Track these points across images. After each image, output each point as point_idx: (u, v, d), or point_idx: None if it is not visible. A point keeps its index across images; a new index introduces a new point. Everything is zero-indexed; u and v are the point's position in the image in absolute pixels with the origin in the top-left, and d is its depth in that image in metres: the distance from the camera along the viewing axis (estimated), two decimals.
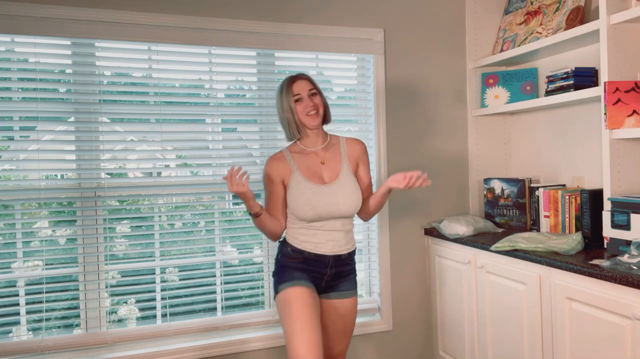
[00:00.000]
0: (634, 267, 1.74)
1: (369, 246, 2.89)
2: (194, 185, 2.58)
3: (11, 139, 2.35)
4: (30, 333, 2.35)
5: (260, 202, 2.08)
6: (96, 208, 2.41)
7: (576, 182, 2.58)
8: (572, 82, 2.36)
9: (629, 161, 2.13)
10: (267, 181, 2.09)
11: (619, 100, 2.07)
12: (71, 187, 2.38)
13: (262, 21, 2.60)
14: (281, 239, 2.16)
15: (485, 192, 2.91)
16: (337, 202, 2.02)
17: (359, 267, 2.92)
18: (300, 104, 2.04)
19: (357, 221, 2.74)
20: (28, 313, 2.32)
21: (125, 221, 2.50)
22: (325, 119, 2.13)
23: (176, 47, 2.51)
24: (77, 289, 2.40)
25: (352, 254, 2.14)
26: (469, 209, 3.03)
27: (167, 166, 2.61)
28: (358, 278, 2.94)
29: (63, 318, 2.40)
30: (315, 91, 2.07)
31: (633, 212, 1.92)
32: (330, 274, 2.07)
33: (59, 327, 2.38)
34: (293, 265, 2.04)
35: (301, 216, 2.01)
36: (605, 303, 1.79)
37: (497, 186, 2.82)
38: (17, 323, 2.32)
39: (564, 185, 2.60)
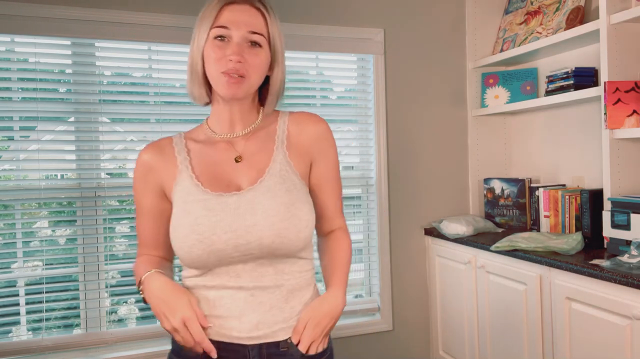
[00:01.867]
0: (634, 267, 1.74)
1: (369, 245, 2.89)
2: None
3: (11, 139, 2.35)
4: (30, 332, 2.35)
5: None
6: (96, 208, 2.41)
7: (576, 182, 2.58)
8: (572, 82, 2.36)
9: (629, 161, 2.13)
10: (137, 189, 1.18)
11: (619, 100, 2.07)
12: (71, 187, 2.38)
13: None
14: None
15: (485, 192, 2.91)
16: (255, 223, 1.05)
17: (358, 267, 2.92)
18: (220, 46, 1.09)
19: (354, 221, 2.73)
20: (28, 312, 2.32)
21: (125, 221, 2.50)
22: (263, 95, 1.19)
23: (176, 47, 2.51)
24: (77, 289, 2.40)
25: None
26: (469, 209, 3.02)
27: None
28: (358, 277, 2.94)
29: (63, 317, 2.40)
30: (262, 40, 1.10)
31: (633, 212, 1.92)
32: None
33: (58, 327, 2.38)
34: None
35: (186, 257, 1.07)
36: (605, 303, 1.79)
37: (497, 186, 2.82)
38: (17, 322, 2.32)
39: (564, 185, 2.60)
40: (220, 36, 1.09)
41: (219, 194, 1.09)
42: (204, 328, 1.04)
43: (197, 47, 1.12)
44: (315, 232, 1.23)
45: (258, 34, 1.09)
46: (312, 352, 1.08)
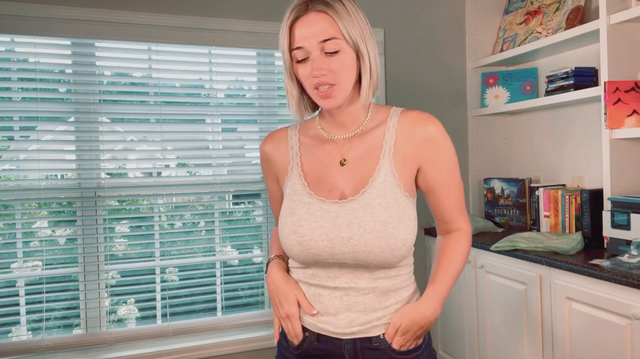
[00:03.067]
0: (634, 267, 1.74)
1: None
2: (193, 185, 2.58)
3: (11, 139, 2.35)
4: (30, 333, 2.35)
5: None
6: (96, 208, 2.41)
7: (576, 182, 2.58)
8: (572, 82, 2.36)
9: (629, 161, 2.13)
10: (264, 174, 1.30)
11: (619, 100, 2.07)
12: (71, 187, 2.38)
13: (262, 21, 2.60)
14: None
15: (485, 192, 2.91)
16: (351, 237, 1.09)
17: None
18: (305, 66, 1.10)
19: None
20: (28, 312, 2.32)
21: (125, 221, 2.50)
22: (361, 91, 1.14)
23: (176, 47, 2.51)
24: (77, 289, 2.40)
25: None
26: (469, 209, 3.02)
27: (167, 166, 2.61)
28: None
29: (63, 317, 2.40)
30: (339, 41, 1.08)
31: (633, 212, 1.92)
32: None
33: (58, 327, 2.38)
34: None
35: (288, 252, 1.16)
36: (605, 303, 1.78)
37: (497, 186, 2.82)
38: (17, 322, 2.32)
39: (564, 185, 2.60)
40: (302, 58, 1.10)
41: (322, 199, 1.14)
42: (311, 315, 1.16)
43: (285, 71, 1.15)
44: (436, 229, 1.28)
45: (329, 39, 1.07)
46: (403, 349, 1.14)
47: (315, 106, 1.22)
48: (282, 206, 1.18)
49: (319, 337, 1.16)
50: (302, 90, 1.17)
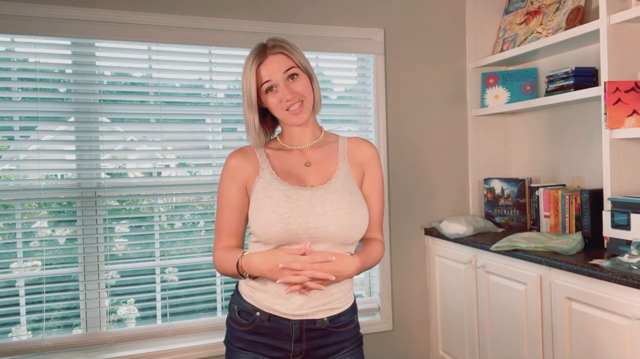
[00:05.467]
0: (634, 268, 1.74)
1: None
2: (193, 185, 2.58)
3: (11, 139, 2.35)
4: (30, 332, 2.35)
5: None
6: (96, 208, 2.41)
7: (576, 182, 2.58)
8: (572, 82, 2.36)
9: (629, 161, 2.13)
10: (224, 185, 1.43)
11: (619, 100, 2.07)
12: (71, 187, 2.38)
13: (262, 21, 2.60)
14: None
15: (485, 192, 2.91)
16: (325, 213, 1.32)
17: None
18: (274, 95, 1.38)
19: None
20: (28, 312, 2.32)
21: (125, 221, 2.50)
22: (315, 106, 1.45)
23: (176, 47, 2.51)
24: (77, 289, 2.40)
25: (342, 316, 1.40)
26: (469, 209, 3.02)
27: (167, 166, 2.61)
28: (358, 277, 2.94)
29: (63, 317, 2.40)
30: (296, 69, 1.39)
31: (633, 212, 1.92)
32: (300, 354, 1.36)
33: (58, 327, 2.38)
34: (237, 346, 1.38)
35: (264, 233, 1.32)
36: (605, 303, 1.78)
37: (497, 186, 2.82)
38: (17, 322, 2.32)
39: (564, 185, 2.60)
40: (269, 88, 1.39)
41: (296, 187, 1.37)
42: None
43: (248, 106, 1.41)
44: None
45: (290, 68, 1.38)
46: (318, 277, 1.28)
47: (270, 131, 1.51)
48: (253, 199, 1.37)
49: (270, 317, 1.35)
50: (260, 118, 1.42)
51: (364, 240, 1.49)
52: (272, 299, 1.35)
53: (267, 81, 1.38)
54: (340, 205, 1.34)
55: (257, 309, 1.36)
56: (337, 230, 1.33)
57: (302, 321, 1.34)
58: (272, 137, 1.52)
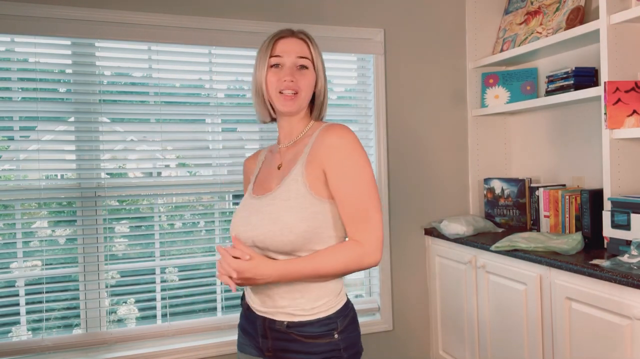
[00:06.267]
0: (634, 267, 1.74)
1: None
2: (193, 185, 2.58)
3: (11, 139, 2.35)
4: (30, 332, 2.35)
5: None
6: (96, 208, 2.41)
7: (576, 182, 2.58)
8: (572, 82, 2.36)
9: (629, 161, 2.13)
10: (244, 183, 1.60)
11: (619, 100, 2.07)
12: (71, 187, 2.38)
13: (261, 21, 2.60)
14: None
15: (485, 192, 2.91)
16: (256, 223, 1.30)
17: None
18: (276, 72, 1.36)
19: None
20: (28, 312, 2.32)
21: (125, 221, 2.50)
22: (313, 109, 1.44)
23: (176, 47, 2.51)
24: (77, 289, 2.40)
25: (308, 326, 1.30)
26: (469, 209, 3.02)
27: (167, 166, 2.61)
28: (358, 277, 2.94)
29: (63, 317, 2.40)
30: (309, 62, 1.37)
31: (633, 212, 1.92)
32: (269, 350, 1.35)
33: (58, 327, 2.38)
34: (240, 323, 1.49)
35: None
36: (605, 303, 1.78)
37: (497, 186, 2.82)
38: (17, 322, 2.32)
39: (564, 185, 2.60)
40: (276, 64, 1.36)
41: (254, 196, 1.39)
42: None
43: (260, 75, 1.38)
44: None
45: (304, 57, 1.37)
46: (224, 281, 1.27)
47: (273, 116, 1.46)
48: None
49: (248, 308, 1.41)
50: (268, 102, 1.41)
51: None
52: (248, 292, 1.42)
53: (277, 55, 1.36)
54: (267, 213, 1.28)
55: (243, 298, 1.46)
56: (264, 241, 1.28)
57: (264, 318, 1.34)
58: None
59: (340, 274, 1.30)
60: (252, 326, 1.38)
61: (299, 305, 1.30)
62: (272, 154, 1.47)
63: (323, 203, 1.29)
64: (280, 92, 1.35)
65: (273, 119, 1.47)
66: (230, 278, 1.24)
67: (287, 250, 1.28)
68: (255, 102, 1.42)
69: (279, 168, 1.39)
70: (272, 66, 1.36)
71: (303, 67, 1.36)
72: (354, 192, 1.27)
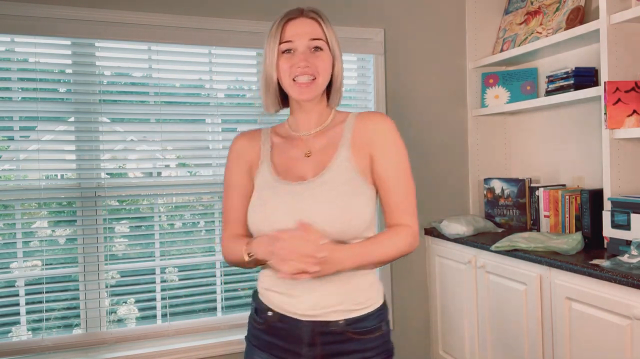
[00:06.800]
0: (634, 268, 1.74)
1: None
2: (193, 185, 2.58)
3: (11, 139, 2.35)
4: (30, 332, 2.35)
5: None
6: (96, 208, 2.40)
7: (576, 182, 2.58)
8: (572, 82, 2.36)
9: (629, 161, 2.13)
10: (229, 168, 1.35)
11: (619, 100, 2.07)
12: (71, 187, 2.38)
13: (262, 21, 2.60)
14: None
15: (485, 192, 2.91)
16: (310, 208, 1.19)
17: None
18: (288, 58, 1.25)
19: None
20: (28, 312, 2.32)
21: (125, 221, 2.50)
22: (330, 95, 1.33)
23: (176, 47, 2.51)
24: (77, 289, 2.40)
25: (364, 321, 1.23)
26: (469, 209, 3.02)
27: (167, 166, 2.61)
28: None
29: (63, 317, 2.40)
30: (323, 42, 1.26)
31: (633, 212, 1.92)
32: None
33: (58, 327, 2.38)
34: (254, 343, 1.30)
35: (255, 233, 1.27)
36: (605, 303, 1.78)
37: (497, 186, 2.82)
38: (17, 322, 2.32)
39: (564, 185, 2.60)
40: (287, 50, 1.25)
41: (287, 182, 1.25)
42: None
43: (269, 63, 1.27)
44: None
45: (318, 39, 1.26)
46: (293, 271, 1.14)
47: (282, 104, 1.36)
48: (252, 198, 1.30)
49: (281, 317, 1.24)
50: (278, 88, 1.31)
51: (387, 227, 1.30)
52: (282, 298, 1.23)
53: (287, 41, 1.24)
54: (325, 198, 1.19)
55: (269, 309, 1.26)
56: (324, 228, 1.16)
57: (313, 322, 1.20)
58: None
59: (393, 259, 1.27)
60: (291, 336, 1.22)
61: (354, 298, 1.23)
62: (287, 141, 1.34)
63: (372, 189, 1.28)
64: (294, 80, 1.24)
65: (285, 106, 1.37)
66: (297, 271, 1.13)
67: (350, 237, 1.22)
68: (263, 91, 1.31)
69: (307, 155, 1.29)
70: (283, 52, 1.25)
71: (317, 48, 1.25)
72: (402, 179, 1.29)
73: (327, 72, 1.27)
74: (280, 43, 1.25)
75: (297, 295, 1.21)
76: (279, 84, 1.29)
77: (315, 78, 1.24)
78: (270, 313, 1.26)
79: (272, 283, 1.27)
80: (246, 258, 1.24)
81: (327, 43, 1.27)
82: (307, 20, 1.26)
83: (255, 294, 1.34)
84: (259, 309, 1.29)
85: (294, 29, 1.25)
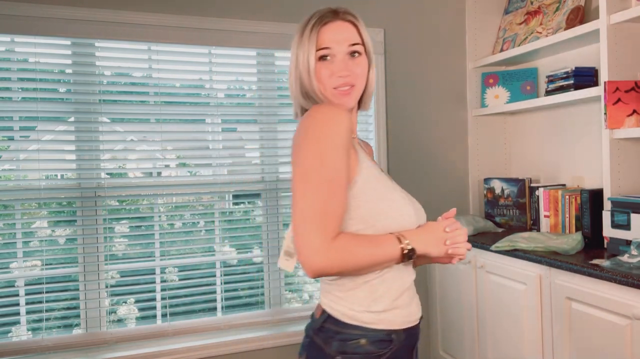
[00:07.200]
0: (634, 267, 1.74)
1: None
2: (193, 185, 2.58)
3: (11, 139, 2.35)
4: (30, 332, 2.35)
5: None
6: (96, 208, 2.40)
7: (576, 182, 2.58)
8: (572, 82, 2.36)
9: (629, 161, 2.13)
10: (337, 151, 1.06)
11: (619, 100, 2.07)
12: (71, 187, 2.38)
13: (262, 21, 2.60)
14: (317, 320, 1.18)
15: (485, 192, 2.91)
16: (420, 207, 1.29)
17: None
18: (327, 65, 1.18)
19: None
20: (28, 312, 2.32)
21: (125, 221, 2.50)
22: (362, 99, 1.26)
23: (176, 47, 2.51)
24: (77, 289, 2.40)
25: None
26: (469, 209, 3.02)
27: (167, 166, 2.61)
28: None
29: (63, 317, 2.40)
30: (361, 47, 1.20)
31: (633, 212, 1.92)
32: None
33: (58, 327, 2.38)
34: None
35: (402, 226, 1.15)
36: (605, 303, 1.78)
37: (497, 185, 2.82)
38: (17, 322, 2.32)
39: (564, 185, 2.60)
40: (324, 56, 1.18)
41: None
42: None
43: (304, 69, 1.18)
44: None
45: (356, 44, 1.19)
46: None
47: None
48: (370, 187, 1.14)
49: (405, 333, 1.16)
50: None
51: None
52: (406, 311, 1.17)
53: (325, 47, 1.17)
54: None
55: (392, 332, 1.13)
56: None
57: (419, 323, 1.21)
58: None
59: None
60: (411, 348, 1.18)
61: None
62: (357, 143, 1.25)
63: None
64: (336, 89, 1.18)
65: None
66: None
67: None
68: (300, 97, 1.21)
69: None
70: (321, 58, 1.17)
71: (355, 53, 1.19)
72: (295, 184, 1.16)
73: (364, 78, 1.21)
74: (317, 50, 1.17)
75: (414, 300, 1.20)
76: (312, 88, 1.20)
77: (353, 86, 1.19)
78: (394, 336, 1.13)
79: (389, 301, 1.14)
80: (403, 252, 1.09)
81: (365, 48, 1.22)
82: (344, 24, 1.19)
83: (351, 332, 1.12)
84: (375, 341, 1.12)
85: (331, 35, 1.17)
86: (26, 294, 2.31)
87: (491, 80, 2.91)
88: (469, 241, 2.53)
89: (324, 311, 1.16)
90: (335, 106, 1.14)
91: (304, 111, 1.23)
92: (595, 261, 1.87)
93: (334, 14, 1.19)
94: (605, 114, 2.09)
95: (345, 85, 1.17)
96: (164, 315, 2.53)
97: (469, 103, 3.00)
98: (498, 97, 2.88)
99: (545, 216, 2.49)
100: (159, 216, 2.53)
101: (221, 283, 2.61)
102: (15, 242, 2.31)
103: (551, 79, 2.48)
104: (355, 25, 1.21)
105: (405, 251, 1.09)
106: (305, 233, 1.01)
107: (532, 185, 2.64)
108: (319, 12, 1.20)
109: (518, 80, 2.82)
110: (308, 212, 1.02)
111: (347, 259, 1.04)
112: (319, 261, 1.01)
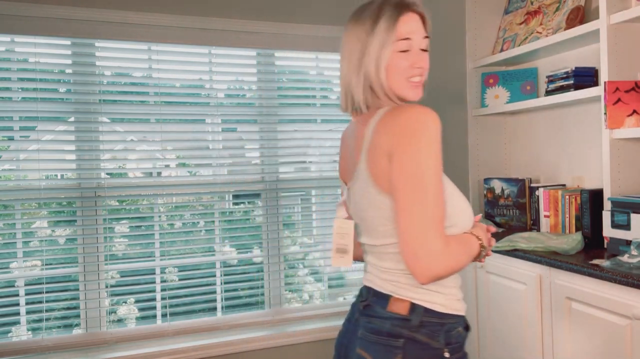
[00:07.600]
0: (634, 268, 1.74)
1: None
2: (193, 185, 2.58)
3: (11, 139, 2.35)
4: (30, 332, 2.35)
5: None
6: (96, 208, 2.40)
7: (576, 182, 2.58)
8: (572, 82, 2.36)
9: (629, 161, 2.13)
10: (440, 155, 1.12)
11: (619, 100, 2.07)
12: (71, 187, 2.38)
13: (262, 21, 2.60)
14: (407, 315, 1.13)
15: (485, 192, 2.91)
16: None
17: (359, 266, 2.92)
18: (406, 57, 1.14)
19: None
20: (28, 312, 2.32)
21: (125, 221, 2.50)
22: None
23: (176, 47, 2.51)
24: (77, 289, 2.40)
25: None
26: None
27: (167, 166, 2.61)
28: (358, 278, 2.94)
29: (63, 317, 2.40)
30: (428, 42, 1.20)
31: (633, 212, 1.92)
32: None
33: (58, 327, 2.38)
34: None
35: (468, 224, 1.20)
36: (605, 303, 1.78)
37: (497, 185, 2.82)
38: (17, 322, 2.32)
39: (564, 185, 2.60)
40: (404, 48, 1.14)
41: None
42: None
43: (375, 57, 1.13)
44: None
45: (427, 37, 1.18)
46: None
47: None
48: (445, 185, 1.15)
49: (466, 324, 1.21)
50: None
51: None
52: (463, 303, 1.21)
53: (406, 38, 1.13)
54: None
55: (464, 321, 1.20)
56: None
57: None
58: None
59: None
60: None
61: None
62: None
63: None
64: (410, 80, 1.15)
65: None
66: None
67: None
68: (360, 88, 1.16)
69: None
70: (400, 49, 1.13)
71: (423, 49, 1.17)
72: (409, 194, 1.13)
73: (427, 72, 1.20)
74: (397, 40, 1.12)
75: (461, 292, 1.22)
76: (379, 80, 1.15)
77: (423, 78, 1.19)
78: (460, 328, 1.17)
79: (457, 289, 1.20)
80: (479, 250, 1.18)
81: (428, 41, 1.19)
82: (417, 16, 1.17)
83: (436, 321, 1.12)
84: (464, 326, 1.18)
85: (410, 26, 1.14)
86: (26, 294, 2.31)
87: (491, 81, 2.91)
88: None
89: (414, 306, 1.12)
90: (428, 108, 1.12)
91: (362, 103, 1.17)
92: (595, 261, 1.87)
93: (406, 5, 1.15)
94: (605, 114, 2.09)
95: (418, 76, 1.15)
96: (164, 315, 2.53)
97: (468, 103, 3.00)
98: (498, 97, 2.88)
99: (545, 216, 2.49)
100: (159, 216, 2.53)
101: (221, 283, 2.61)
102: (15, 242, 2.32)
103: (551, 79, 2.48)
104: (424, 20, 1.19)
105: (481, 250, 1.17)
106: (427, 240, 1.02)
107: (532, 185, 2.64)
108: (386, 1, 1.15)
109: (518, 80, 2.82)
110: (427, 219, 1.03)
111: (456, 262, 1.08)
112: (438, 266, 1.03)
